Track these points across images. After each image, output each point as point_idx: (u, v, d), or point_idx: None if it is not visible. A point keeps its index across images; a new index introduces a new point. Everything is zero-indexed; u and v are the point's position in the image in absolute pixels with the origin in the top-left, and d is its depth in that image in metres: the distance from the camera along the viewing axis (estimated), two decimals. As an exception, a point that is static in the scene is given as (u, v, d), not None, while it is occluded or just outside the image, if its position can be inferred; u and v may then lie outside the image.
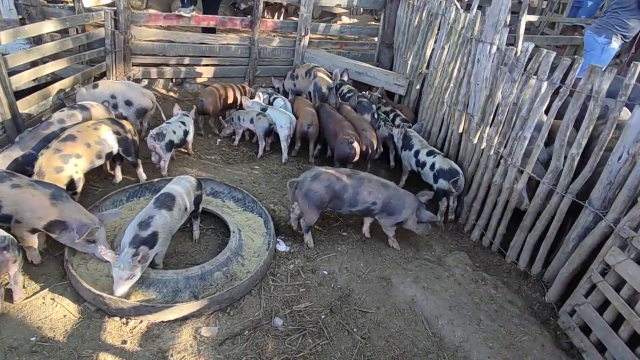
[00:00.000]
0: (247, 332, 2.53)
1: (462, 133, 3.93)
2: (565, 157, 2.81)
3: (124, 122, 3.51)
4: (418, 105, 5.10)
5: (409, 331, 2.70)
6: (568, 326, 2.77)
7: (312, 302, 2.80)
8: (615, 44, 5.05)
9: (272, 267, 3.04)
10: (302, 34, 5.62)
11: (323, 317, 2.70)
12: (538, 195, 3.06)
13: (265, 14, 8.31)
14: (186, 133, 3.98)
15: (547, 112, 3.00)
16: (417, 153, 3.96)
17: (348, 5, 6.00)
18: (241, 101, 4.69)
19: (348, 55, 6.19)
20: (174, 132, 3.77)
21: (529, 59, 3.03)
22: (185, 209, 2.86)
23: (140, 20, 4.93)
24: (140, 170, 3.62)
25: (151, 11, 6.53)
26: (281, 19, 8.74)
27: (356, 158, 3.92)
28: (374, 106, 4.65)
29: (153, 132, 3.61)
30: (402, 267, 3.22)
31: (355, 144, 3.85)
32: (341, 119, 4.15)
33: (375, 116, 4.57)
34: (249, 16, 5.50)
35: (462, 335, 2.68)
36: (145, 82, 5.32)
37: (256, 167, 4.29)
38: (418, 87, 5.05)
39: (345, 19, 9.58)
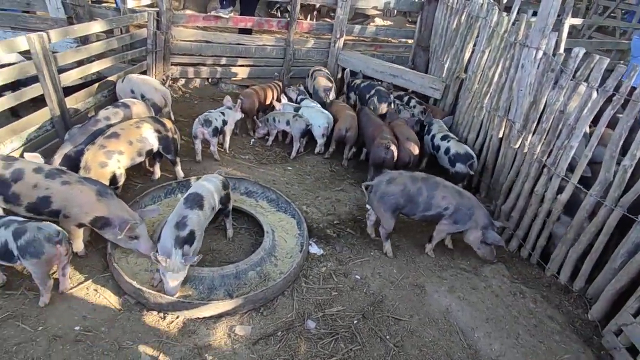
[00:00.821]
0: (280, 333, 2.54)
1: (501, 139, 3.81)
2: (616, 169, 2.68)
3: (165, 120, 3.61)
4: (454, 110, 4.99)
5: (443, 341, 2.63)
6: (613, 346, 2.63)
7: (344, 306, 2.78)
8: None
9: (305, 269, 3.04)
10: (337, 36, 5.61)
11: (355, 322, 2.67)
12: (584, 207, 2.93)
13: (300, 15, 8.36)
14: (224, 123, 4.15)
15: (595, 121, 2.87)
16: (433, 137, 4.30)
17: (384, 7, 5.93)
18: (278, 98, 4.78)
19: (382, 57, 6.14)
20: (216, 119, 4.01)
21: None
22: (213, 208, 2.90)
23: (180, 21, 5.06)
24: (179, 168, 3.70)
25: (189, 12, 6.68)
26: (314, 20, 8.79)
27: (392, 163, 3.87)
28: (391, 96, 4.92)
29: (200, 118, 3.90)
30: (437, 275, 3.15)
31: (393, 148, 3.80)
32: (381, 124, 4.11)
33: (392, 105, 4.86)
34: (285, 17, 5.55)
35: (499, 349, 2.59)
36: (183, 81, 5.46)
37: (289, 167, 4.32)
38: (455, 90, 4.95)
39: (379, 21, 9.52)
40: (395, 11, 9.53)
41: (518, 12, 3.91)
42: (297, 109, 4.61)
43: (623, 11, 8.99)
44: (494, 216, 3.77)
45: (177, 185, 3.59)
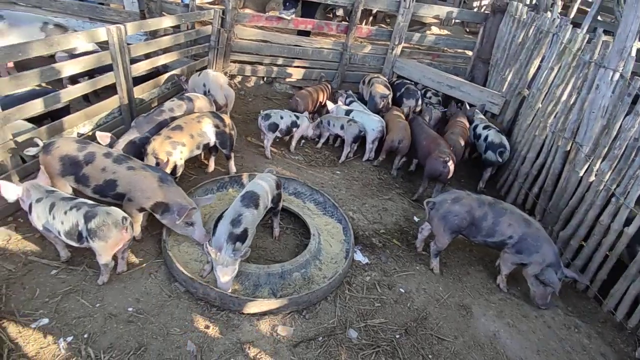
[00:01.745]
0: (321, 338, 2.54)
1: (565, 162, 3.61)
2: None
3: (224, 116, 3.72)
4: (512, 127, 4.79)
5: (488, 369, 2.53)
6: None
7: (387, 318, 2.74)
8: None
9: (349, 276, 3.02)
10: (396, 43, 5.55)
11: (397, 336, 2.62)
12: (655, 244, 2.71)
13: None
14: (294, 124, 4.30)
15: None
16: (476, 127, 4.55)
17: (446, 17, 5.79)
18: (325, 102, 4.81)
19: (439, 67, 6.00)
20: (282, 118, 4.18)
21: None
22: (266, 206, 2.95)
23: (244, 20, 5.20)
24: (232, 163, 3.80)
25: (252, 12, 6.85)
26: (369, 25, 8.75)
27: (447, 177, 3.77)
28: (419, 92, 5.13)
29: (263, 112, 4.15)
30: (485, 298, 3.03)
31: (450, 163, 3.70)
32: (436, 136, 4.02)
33: (419, 102, 5.09)
34: (345, 21, 5.56)
35: (549, 385, 2.45)
36: (240, 78, 5.61)
37: (337, 172, 4.32)
38: (515, 106, 4.75)
39: (436, 29, 9.32)
40: (454, 20, 9.29)
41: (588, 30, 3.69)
42: (348, 113, 4.61)
43: None
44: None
45: (230, 180, 3.68)
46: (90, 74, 3.76)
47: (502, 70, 5.22)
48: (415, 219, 3.81)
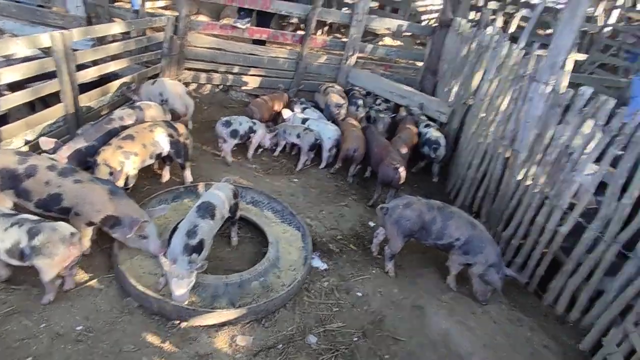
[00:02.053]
0: (280, 345, 2.56)
1: (504, 168, 3.90)
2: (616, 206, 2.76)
3: (178, 125, 3.65)
4: (459, 134, 5.09)
5: (440, 365, 2.66)
6: (601, 378, 2.68)
7: (345, 322, 2.81)
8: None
9: (307, 283, 3.06)
10: (350, 53, 5.73)
11: (355, 339, 2.70)
12: (583, 241, 3.00)
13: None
14: (251, 130, 4.35)
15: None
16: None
17: (397, 29, 6.06)
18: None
19: (391, 77, 6.25)
20: (240, 124, 4.24)
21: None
22: (223, 216, 2.94)
23: (197, 28, 5.15)
24: (187, 173, 3.74)
25: (206, 20, 6.79)
26: (325, 35, 8.94)
27: (399, 183, 3.93)
28: (360, 100, 5.35)
29: (223, 119, 4.19)
30: (437, 298, 3.18)
31: (401, 170, 3.87)
32: (387, 144, 4.19)
33: (360, 108, 5.30)
34: (300, 30, 5.66)
35: (495, 377, 2.62)
36: (194, 86, 5.52)
37: (294, 179, 4.37)
38: (461, 115, 5.06)
39: (388, 41, 9.69)
40: (403, 33, 9.71)
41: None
42: (304, 122, 4.69)
43: (625, 50, 9.24)
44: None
45: (185, 190, 3.62)
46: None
47: (448, 81, 5.54)
48: (371, 224, 3.93)
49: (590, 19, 9.81)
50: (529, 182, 3.51)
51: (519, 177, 3.63)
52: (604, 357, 2.67)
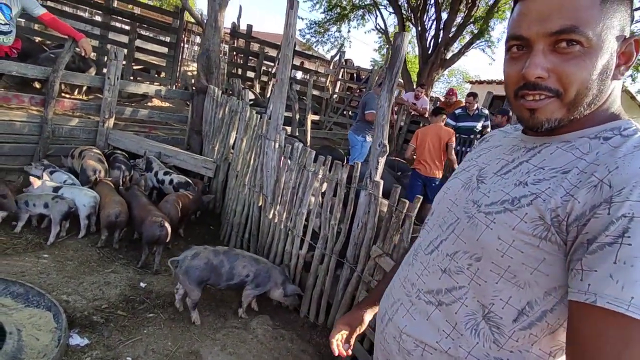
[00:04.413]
0: None
1: (260, 210, 4.63)
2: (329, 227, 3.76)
3: None
4: (225, 186, 5.68)
5: (215, 398, 2.88)
6: (344, 362, 3.49)
7: (112, 393, 2.70)
8: (370, 139, 6.97)
9: (64, 364, 2.80)
10: (106, 117, 5.62)
11: (125, 405, 2.63)
12: (316, 258, 3.89)
13: (63, 87, 7.85)
14: None
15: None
16: (156, 173, 5.30)
17: (155, 94, 6.36)
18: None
19: (157, 138, 6.42)
20: None
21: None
22: None
23: None
24: None
25: None
26: (83, 95, 8.38)
27: (166, 239, 4.08)
28: (124, 165, 5.28)
29: None
30: (211, 338, 3.43)
31: (166, 225, 4.03)
32: (147, 203, 4.28)
33: (127, 172, 5.26)
34: (41, 94, 5.21)
35: (262, 390, 3.04)
36: None
37: (45, 255, 3.89)
38: (225, 170, 5.69)
39: (157, 101, 9.85)
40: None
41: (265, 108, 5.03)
42: (56, 189, 4.29)
43: (351, 112, 12.33)
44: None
45: None
46: None
47: (211, 140, 6.15)
48: (142, 285, 3.90)
49: (322, 88, 12.70)
50: (276, 219, 4.29)
51: (270, 216, 4.39)
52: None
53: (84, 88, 8.72)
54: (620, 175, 0.76)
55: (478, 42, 15.10)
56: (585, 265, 0.76)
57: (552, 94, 0.88)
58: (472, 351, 0.96)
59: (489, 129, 7.78)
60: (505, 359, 0.93)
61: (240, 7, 12.99)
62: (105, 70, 5.74)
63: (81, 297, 3.46)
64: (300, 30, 19.87)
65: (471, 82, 21.63)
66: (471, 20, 13.96)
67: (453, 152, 6.25)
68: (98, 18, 11.66)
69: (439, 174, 6.21)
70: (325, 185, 3.87)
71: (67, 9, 10.23)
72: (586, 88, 0.86)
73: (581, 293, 0.76)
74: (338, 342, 1.47)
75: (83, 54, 4.90)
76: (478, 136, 7.72)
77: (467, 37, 15.18)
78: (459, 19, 13.99)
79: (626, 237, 0.71)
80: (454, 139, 6.18)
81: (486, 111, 8.06)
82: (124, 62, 6.40)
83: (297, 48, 13.22)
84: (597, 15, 0.83)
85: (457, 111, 8.02)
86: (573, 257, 0.80)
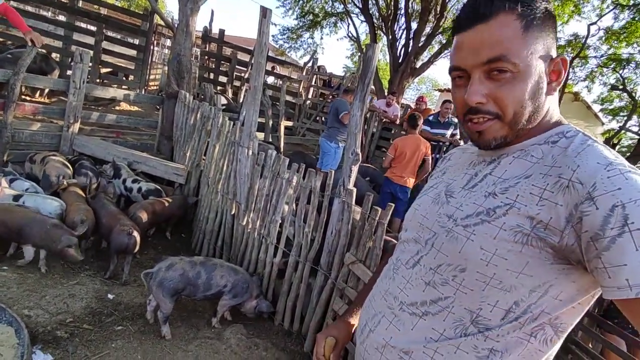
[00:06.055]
0: None
1: (234, 217, 4.59)
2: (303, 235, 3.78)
3: None
4: (198, 193, 5.58)
5: (187, 412, 2.83)
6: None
7: (78, 411, 2.59)
8: (343, 145, 7.04)
9: (25, 383, 2.66)
10: (71, 121, 5.41)
11: (92, 423, 2.54)
12: (290, 265, 3.89)
13: (24, 89, 7.50)
14: None
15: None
16: (124, 180, 5.12)
17: (124, 99, 6.19)
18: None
19: (126, 144, 6.24)
20: None
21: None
22: None
23: None
24: None
25: None
26: (45, 98, 8.05)
27: (134, 248, 3.96)
28: (91, 172, 5.10)
29: None
30: (183, 350, 3.36)
31: (135, 234, 3.92)
32: (116, 212, 4.15)
33: (94, 179, 5.09)
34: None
35: (236, 401, 3.00)
36: None
37: (4, 267, 3.70)
38: (197, 176, 5.60)
39: (125, 105, 9.56)
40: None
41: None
42: (17, 197, 4.08)
43: (324, 118, 12.41)
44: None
45: None
46: None
47: (182, 146, 6.04)
48: (110, 296, 3.77)
49: (296, 94, 12.74)
50: (250, 226, 4.26)
51: (243, 224, 4.35)
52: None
53: (46, 91, 8.36)
54: (585, 172, 0.83)
55: (446, 51, 15.59)
56: (607, 262, 0.79)
57: (493, 116, 0.97)
58: (460, 346, 1.00)
59: (457, 136, 8.03)
60: (492, 347, 0.98)
61: (212, 11, 12.88)
62: (69, 73, 5.54)
63: (44, 311, 3.31)
64: (273, 35, 19.90)
65: (440, 90, 22.30)
66: (440, 31, 14.39)
67: (430, 165, 6.37)
68: (62, 18, 11.24)
69: (410, 183, 6.33)
70: (297, 192, 3.89)
71: (29, 8, 9.80)
72: (522, 107, 0.95)
73: (625, 289, 0.77)
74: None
75: (36, 45, 4.66)
76: (447, 143, 7.95)
77: (437, 47, 15.66)
78: (428, 29, 14.42)
79: (630, 224, 0.75)
80: (430, 152, 6.34)
81: (455, 119, 8.32)
82: (90, 64, 6.15)
83: (270, 53, 13.25)
84: (521, 43, 0.91)
85: (430, 118, 8.23)
86: (588, 256, 0.83)
